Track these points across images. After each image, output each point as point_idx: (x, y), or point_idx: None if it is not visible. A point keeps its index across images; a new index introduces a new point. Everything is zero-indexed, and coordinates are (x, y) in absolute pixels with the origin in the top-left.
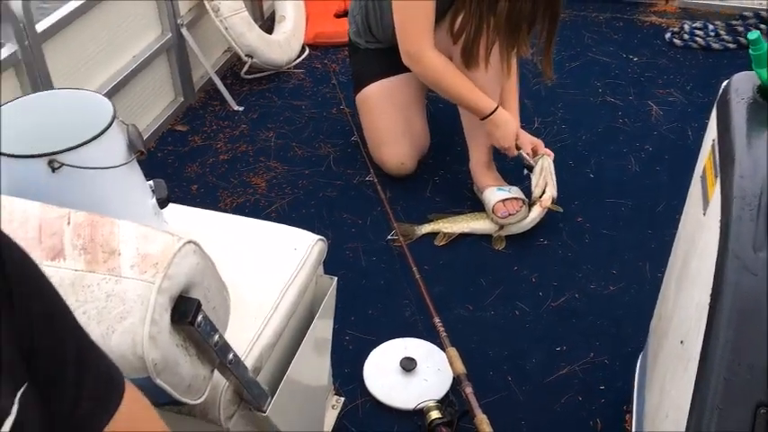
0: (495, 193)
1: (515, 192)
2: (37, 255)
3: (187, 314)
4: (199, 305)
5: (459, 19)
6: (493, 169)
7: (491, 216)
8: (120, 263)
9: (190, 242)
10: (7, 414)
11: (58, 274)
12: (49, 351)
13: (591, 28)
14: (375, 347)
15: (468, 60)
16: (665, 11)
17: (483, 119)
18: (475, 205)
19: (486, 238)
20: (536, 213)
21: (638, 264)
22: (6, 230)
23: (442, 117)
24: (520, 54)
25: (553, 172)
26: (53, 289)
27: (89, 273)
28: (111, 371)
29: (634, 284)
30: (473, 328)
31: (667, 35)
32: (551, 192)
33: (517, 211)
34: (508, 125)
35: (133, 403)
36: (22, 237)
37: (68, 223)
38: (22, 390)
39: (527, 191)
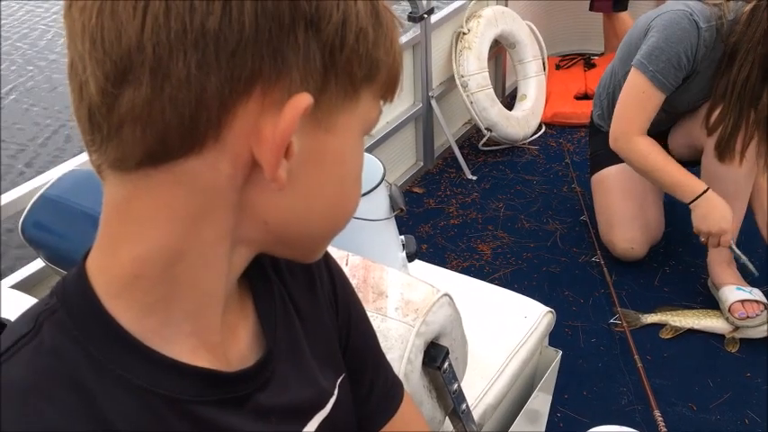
0: (734, 292)
1: (757, 294)
2: None
3: (436, 359)
4: (447, 353)
5: (717, 112)
6: (733, 267)
7: (726, 315)
8: (387, 304)
9: (446, 295)
10: (331, 395)
11: None
12: (357, 350)
13: None
14: (587, 429)
15: (723, 154)
16: None
17: (690, 202)
18: (706, 302)
19: (716, 337)
20: None
21: None
22: None
23: (681, 207)
24: None
25: None
26: (360, 301)
27: None
28: (395, 378)
29: None
30: (695, 429)
31: None
32: None
33: (757, 315)
34: (720, 210)
35: (409, 408)
36: None
37: (346, 264)
38: (341, 378)
39: None
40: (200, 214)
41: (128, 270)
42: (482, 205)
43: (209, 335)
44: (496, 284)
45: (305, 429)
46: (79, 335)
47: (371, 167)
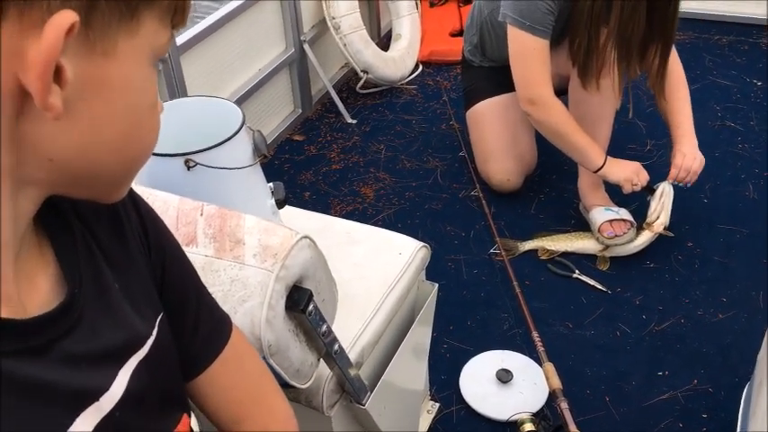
0: (603, 213)
1: (623, 213)
2: None
3: (300, 302)
4: (311, 295)
5: (577, 40)
6: (601, 189)
7: (596, 236)
8: (245, 252)
9: (306, 237)
10: (149, 336)
11: (191, 258)
12: (175, 287)
13: (713, 51)
14: (472, 357)
15: (584, 80)
16: None
17: (595, 172)
18: (580, 225)
19: (590, 257)
20: (645, 238)
21: (750, 293)
22: None
23: None
24: (631, 75)
25: (671, 199)
26: (175, 241)
27: (217, 259)
28: (221, 312)
29: (745, 314)
30: (572, 345)
31: None
32: (664, 219)
33: (624, 233)
34: (620, 172)
35: (239, 341)
36: None
37: (201, 214)
38: (159, 317)
39: (635, 213)
40: None
41: None
42: (363, 148)
43: (2, 285)
44: (380, 226)
45: (121, 371)
46: None
47: (229, 114)
